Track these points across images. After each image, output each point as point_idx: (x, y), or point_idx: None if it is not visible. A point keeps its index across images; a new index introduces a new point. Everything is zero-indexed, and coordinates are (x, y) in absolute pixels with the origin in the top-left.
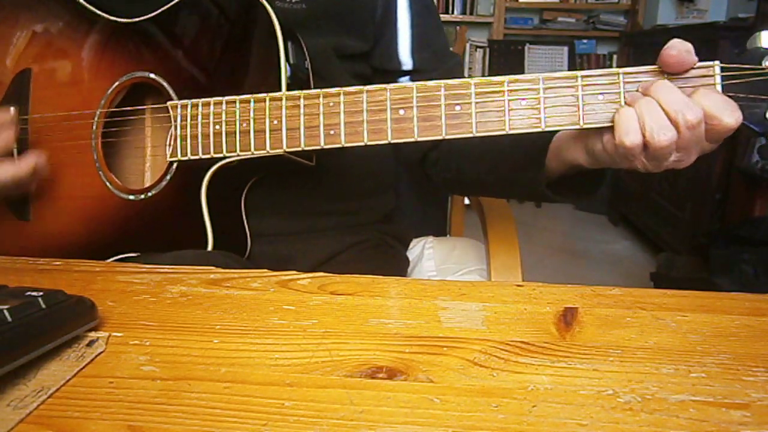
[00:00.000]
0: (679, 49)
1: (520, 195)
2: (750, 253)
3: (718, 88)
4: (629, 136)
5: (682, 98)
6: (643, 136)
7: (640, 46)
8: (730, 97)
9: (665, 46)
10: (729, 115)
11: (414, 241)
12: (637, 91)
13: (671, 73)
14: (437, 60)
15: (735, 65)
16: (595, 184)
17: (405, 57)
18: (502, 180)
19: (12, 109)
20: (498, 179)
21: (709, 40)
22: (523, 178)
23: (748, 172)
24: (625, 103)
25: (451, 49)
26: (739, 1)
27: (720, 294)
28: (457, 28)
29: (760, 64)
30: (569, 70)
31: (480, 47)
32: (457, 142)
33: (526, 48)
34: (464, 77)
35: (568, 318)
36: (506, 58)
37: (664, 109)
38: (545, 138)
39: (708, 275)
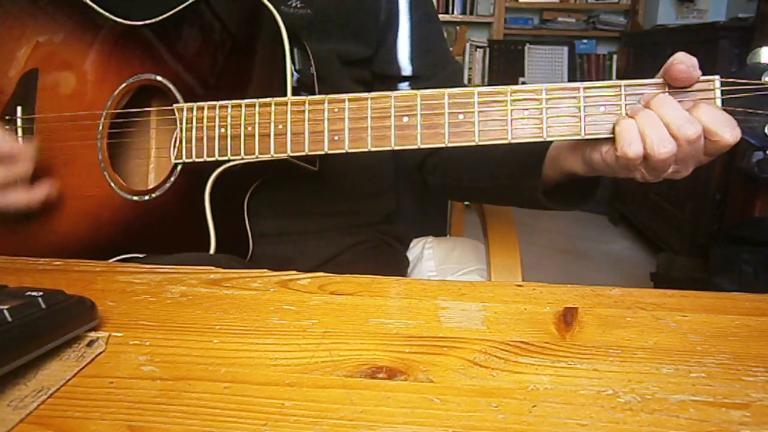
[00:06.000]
0: (687, 63)
1: (517, 202)
2: (750, 253)
3: (718, 102)
4: (632, 146)
5: (683, 113)
6: (644, 148)
7: (640, 46)
8: (729, 111)
9: (672, 59)
10: (728, 132)
11: (414, 242)
12: (638, 103)
13: (674, 86)
14: (437, 66)
15: (735, 80)
16: (589, 191)
17: (404, 63)
18: (500, 188)
19: (33, 146)
20: (495, 187)
21: (709, 40)
22: (520, 186)
23: (748, 173)
24: (626, 114)
25: (450, 49)
26: (739, 1)
27: (720, 294)
28: (457, 28)
29: (760, 79)
30: (569, 70)
31: (480, 47)
32: (456, 150)
33: (526, 48)
34: (464, 84)
35: (568, 318)
36: (506, 58)
37: (665, 123)
38: (542, 147)
39: (708, 275)
